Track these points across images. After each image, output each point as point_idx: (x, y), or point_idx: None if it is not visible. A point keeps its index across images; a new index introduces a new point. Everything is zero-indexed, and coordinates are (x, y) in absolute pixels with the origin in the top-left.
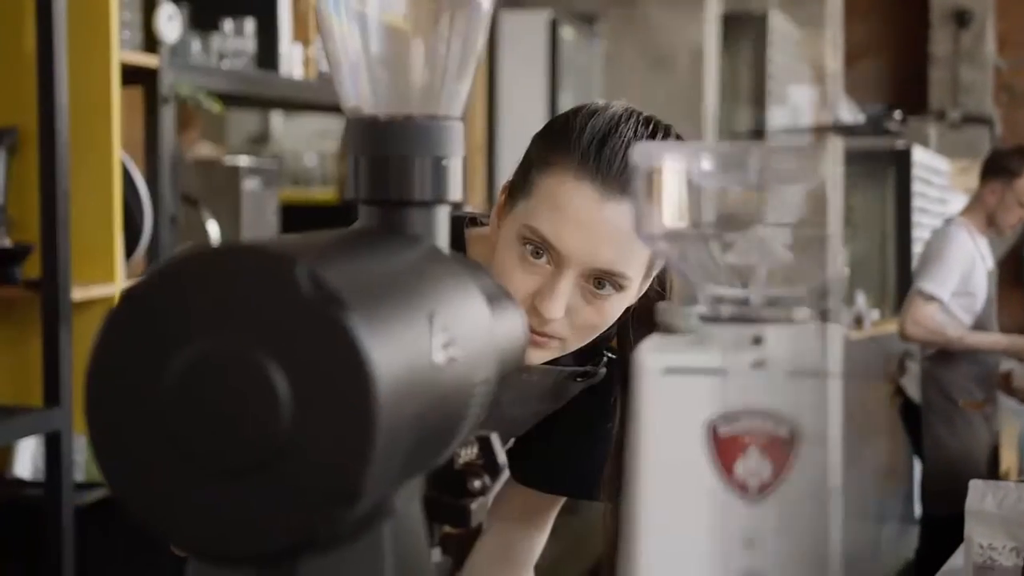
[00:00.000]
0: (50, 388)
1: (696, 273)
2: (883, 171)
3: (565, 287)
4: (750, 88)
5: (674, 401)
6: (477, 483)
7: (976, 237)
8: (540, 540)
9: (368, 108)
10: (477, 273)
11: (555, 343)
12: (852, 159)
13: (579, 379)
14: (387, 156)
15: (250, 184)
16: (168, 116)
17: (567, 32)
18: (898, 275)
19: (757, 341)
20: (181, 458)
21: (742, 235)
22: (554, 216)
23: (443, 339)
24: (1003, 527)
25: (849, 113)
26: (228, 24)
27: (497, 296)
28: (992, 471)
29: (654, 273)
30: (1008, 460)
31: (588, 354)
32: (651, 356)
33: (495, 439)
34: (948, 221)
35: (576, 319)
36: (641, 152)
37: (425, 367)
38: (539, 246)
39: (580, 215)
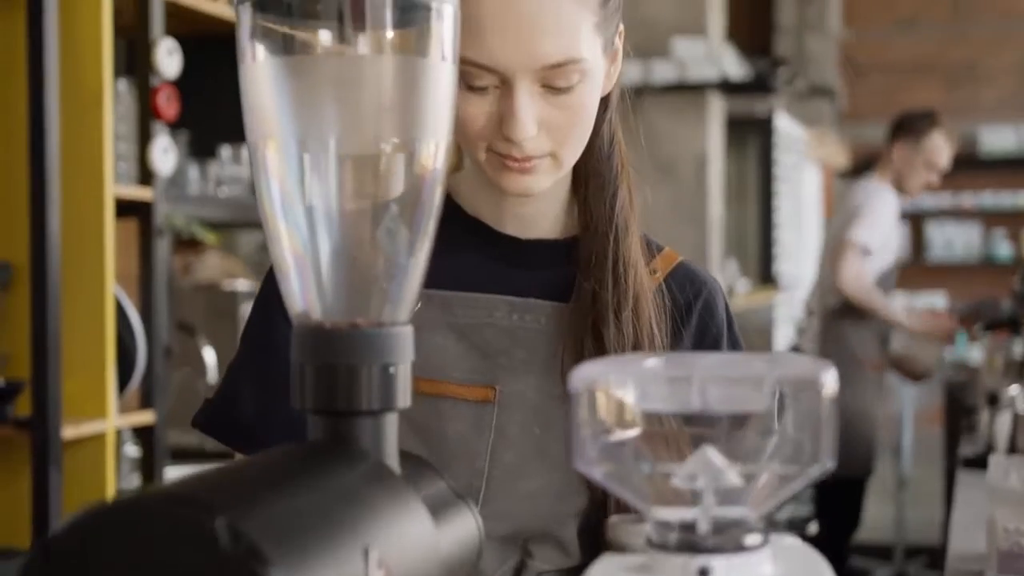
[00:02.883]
0: (39, 530)
1: (640, 497)
2: (745, 137)
3: (523, 100)
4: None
5: None
6: None
7: (896, 197)
8: None
9: (316, 315)
10: (424, 482)
11: (545, 162)
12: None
13: None
14: (334, 365)
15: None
16: (163, 248)
17: None
18: (761, 241)
19: (704, 574)
20: None
21: (689, 457)
22: (471, 36)
23: (380, 574)
24: None
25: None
26: (226, 151)
27: (446, 502)
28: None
29: (615, 32)
30: None
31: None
32: None
33: None
34: (865, 178)
35: (553, 128)
36: (580, 375)
37: None
38: (473, 75)
39: (496, 22)
